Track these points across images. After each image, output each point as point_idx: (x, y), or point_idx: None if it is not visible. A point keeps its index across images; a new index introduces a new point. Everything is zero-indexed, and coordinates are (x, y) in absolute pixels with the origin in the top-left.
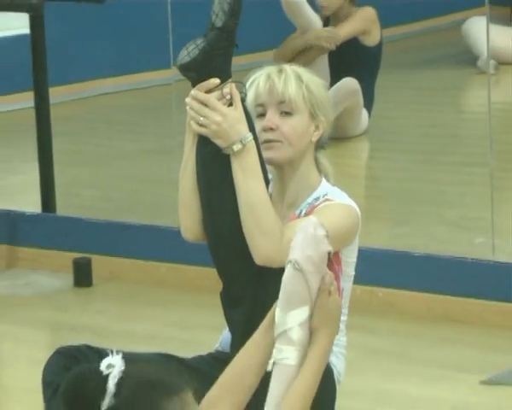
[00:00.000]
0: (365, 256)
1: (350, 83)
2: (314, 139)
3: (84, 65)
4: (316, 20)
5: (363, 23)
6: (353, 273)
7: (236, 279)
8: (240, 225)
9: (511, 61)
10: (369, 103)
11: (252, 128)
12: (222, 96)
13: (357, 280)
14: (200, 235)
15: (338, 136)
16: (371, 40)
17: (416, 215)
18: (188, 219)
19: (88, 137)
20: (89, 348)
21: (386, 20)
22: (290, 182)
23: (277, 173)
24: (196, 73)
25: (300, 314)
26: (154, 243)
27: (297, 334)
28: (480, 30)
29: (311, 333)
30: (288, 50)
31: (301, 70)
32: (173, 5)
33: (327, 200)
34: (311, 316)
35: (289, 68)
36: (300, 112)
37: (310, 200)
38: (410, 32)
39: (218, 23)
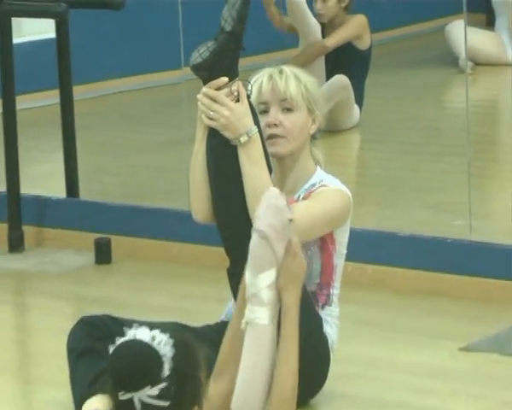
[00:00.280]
0: (356, 236)
1: (341, 79)
2: (311, 132)
3: (103, 66)
4: (315, 26)
5: (355, 29)
6: (345, 252)
7: (241, 257)
8: (245, 208)
9: (488, 62)
10: (360, 99)
11: (256, 121)
12: (230, 93)
13: (349, 258)
14: (210, 217)
15: (332, 129)
16: (363, 44)
17: (401, 200)
18: (198, 202)
19: (107, 130)
20: (108, 317)
21: (375, 26)
22: (290, 171)
23: (278, 164)
24: (207, 72)
25: (268, 277)
26: (166, 225)
27: (267, 295)
28: (460, 32)
29: (279, 292)
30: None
31: (298, 71)
32: (183, 12)
33: (322, 186)
34: (277, 277)
35: (288, 69)
36: (300, 108)
37: (307, 186)
38: (397, 36)
39: (227, 28)
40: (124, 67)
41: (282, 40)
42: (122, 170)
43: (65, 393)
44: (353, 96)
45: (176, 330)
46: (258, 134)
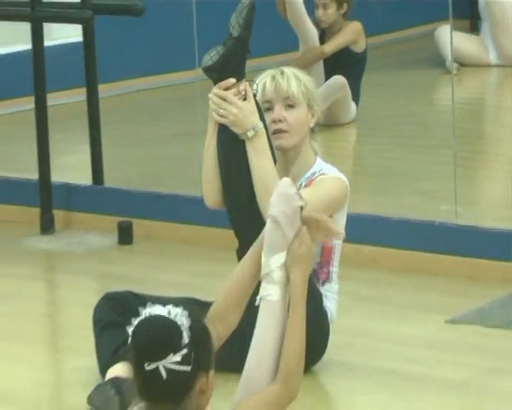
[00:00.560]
0: (352, 220)
1: (338, 79)
2: (311, 125)
3: (125, 66)
4: (313, 32)
5: (351, 36)
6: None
7: (249, 239)
8: (253, 195)
9: (472, 63)
10: (356, 97)
11: (262, 118)
12: (238, 93)
13: (346, 239)
14: (220, 203)
15: (331, 123)
16: (358, 47)
17: (393, 187)
18: (209, 190)
19: (128, 124)
20: (130, 293)
21: (371, 30)
22: (293, 162)
23: (282, 155)
24: (217, 73)
25: (280, 258)
26: (182, 209)
27: (278, 275)
28: (448, 37)
29: (287, 271)
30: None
31: (297, 71)
32: (197, 18)
33: (322, 174)
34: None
35: (289, 70)
36: (300, 104)
37: (308, 174)
38: (390, 40)
39: (235, 34)
40: (143, 67)
41: (285, 44)
42: (142, 160)
43: (90, 361)
44: (350, 95)
45: (187, 304)
46: (263, 129)
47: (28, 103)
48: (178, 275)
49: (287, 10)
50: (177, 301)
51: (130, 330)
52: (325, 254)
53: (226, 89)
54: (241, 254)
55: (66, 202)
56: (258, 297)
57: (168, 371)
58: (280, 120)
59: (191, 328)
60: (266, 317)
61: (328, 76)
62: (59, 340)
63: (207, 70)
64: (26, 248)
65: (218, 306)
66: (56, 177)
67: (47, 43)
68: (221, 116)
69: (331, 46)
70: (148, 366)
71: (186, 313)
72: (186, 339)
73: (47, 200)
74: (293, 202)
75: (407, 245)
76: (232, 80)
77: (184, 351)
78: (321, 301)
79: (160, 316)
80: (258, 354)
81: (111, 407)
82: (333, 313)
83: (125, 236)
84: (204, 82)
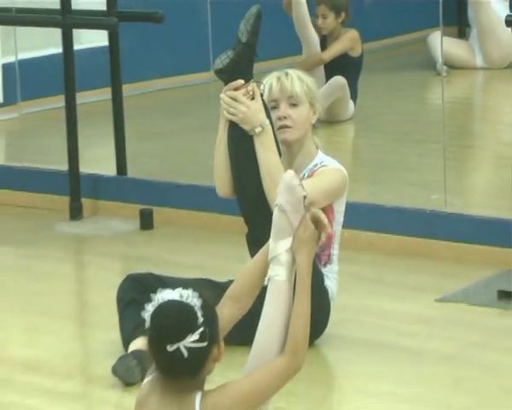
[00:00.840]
0: (351, 208)
1: (338, 80)
2: (313, 122)
3: (146, 68)
4: (315, 39)
5: (348, 43)
6: (342, 220)
7: (257, 225)
8: (260, 185)
9: (460, 66)
10: (354, 96)
11: (268, 115)
12: (246, 93)
13: (346, 225)
14: (230, 193)
15: (331, 120)
16: (355, 52)
17: (388, 178)
18: (221, 182)
19: (150, 120)
20: (151, 274)
21: (368, 36)
22: (297, 155)
23: (287, 149)
24: (227, 75)
25: (286, 243)
26: (198, 198)
27: (284, 257)
28: (439, 42)
29: (293, 254)
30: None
31: (300, 73)
32: (212, 24)
33: (323, 166)
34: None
35: (292, 72)
36: (303, 103)
37: (310, 166)
38: (386, 45)
39: (243, 39)
40: (163, 69)
41: (289, 48)
42: (162, 153)
43: (115, 335)
44: (349, 94)
45: (193, 285)
46: (270, 126)
47: (59, 101)
48: (195, 257)
49: (292, 10)
50: (192, 282)
51: (146, 315)
52: (326, 239)
53: (236, 89)
54: (250, 238)
55: (93, 191)
56: (266, 278)
57: (188, 349)
58: (285, 117)
59: (203, 307)
60: (274, 295)
61: (328, 77)
62: (86, 316)
63: (219, 72)
64: (57, 233)
65: (236, 287)
66: (84, 168)
67: (76, 47)
68: (231, 114)
69: (329, 54)
70: (171, 347)
71: (196, 294)
72: (201, 318)
73: (76, 189)
74: (297, 192)
75: (401, 230)
76: (241, 81)
77: (201, 329)
78: (322, 281)
79: (175, 301)
80: (266, 330)
81: (133, 376)
82: (333, 291)
83: (147, 222)
84: (217, 83)
